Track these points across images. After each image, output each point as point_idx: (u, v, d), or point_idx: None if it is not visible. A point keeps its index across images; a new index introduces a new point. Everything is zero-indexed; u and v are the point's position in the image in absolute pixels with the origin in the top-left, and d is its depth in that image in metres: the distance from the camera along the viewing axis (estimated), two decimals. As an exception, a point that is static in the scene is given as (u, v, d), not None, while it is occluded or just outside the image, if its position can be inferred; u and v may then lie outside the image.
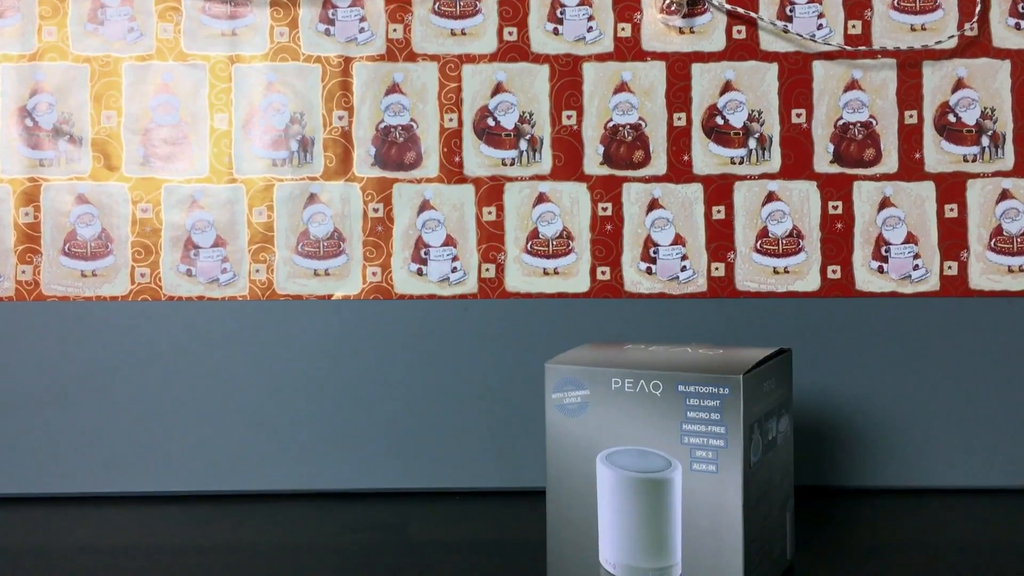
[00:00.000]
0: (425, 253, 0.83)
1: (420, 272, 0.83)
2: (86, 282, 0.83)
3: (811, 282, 0.83)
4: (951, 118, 0.82)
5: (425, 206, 0.83)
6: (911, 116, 0.83)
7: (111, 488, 0.82)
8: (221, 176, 0.83)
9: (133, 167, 0.83)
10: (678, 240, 0.83)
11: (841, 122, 0.83)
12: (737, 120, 0.83)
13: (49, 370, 0.82)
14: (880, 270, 0.83)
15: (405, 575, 0.64)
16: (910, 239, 0.83)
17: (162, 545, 0.71)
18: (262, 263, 0.83)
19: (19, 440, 0.82)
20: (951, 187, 0.82)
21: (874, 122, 0.83)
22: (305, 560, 0.67)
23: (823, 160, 0.83)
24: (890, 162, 0.83)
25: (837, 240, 0.83)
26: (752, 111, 0.83)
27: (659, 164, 0.83)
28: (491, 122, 0.83)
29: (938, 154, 0.83)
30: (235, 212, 0.83)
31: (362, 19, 0.83)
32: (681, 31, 0.83)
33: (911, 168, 0.83)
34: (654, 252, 0.83)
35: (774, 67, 0.83)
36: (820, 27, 0.82)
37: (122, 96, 0.82)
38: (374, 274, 0.83)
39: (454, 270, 0.83)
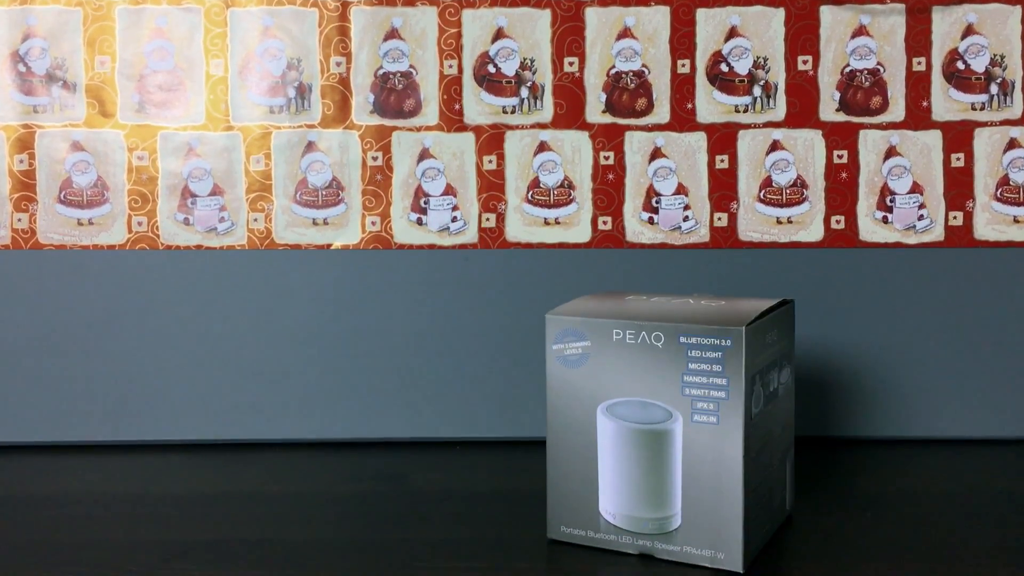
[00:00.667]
0: (425, 202, 0.82)
1: (420, 222, 0.82)
2: (83, 230, 0.82)
3: (814, 232, 0.82)
4: (960, 65, 0.81)
5: (425, 154, 0.82)
6: (919, 63, 0.81)
7: (110, 436, 0.82)
8: (218, 123, 0.81)
9: (128, 114, 0.81)
10: (680, 190, 0.82)
11: (848, 69, 0.81)
12: (742, 67, 0.81)
13: (47, 319, 0.82)
14: (884, 220, 0.82)
15: (406, 524, 0.65)
16: (915, 189, 0.82)
17: (163, 493, 0.71)
18: (260, 212, 0.82)
19: (17, 389, 0.82)
20: (958, 136, 0.81)
21: (882, 69, 0.81)
22: (306, 508, 0.68)
23: (829, 108, 0.82)
24: (897, 110, 0.81)
25: (841, 190, 0.82)
26: (757, 58, 0.81)
27: (662, 112, 0.82)
28: (491, 69, 0.82)
29: (946, 102, 0.81)
30: (232, 160, 0.82)
31: (360, -38, 0.81)
32: (686, -25, 0.81)
33: (918, 116, 0.81)
34: (656, 202, 0.82)
35: (780, 12, 0.81)
36: (828, -29, 0.81)
37: (116, 41, 0.81)
38: (373, 223, 0.82)
39: (454, 220, 0.82)
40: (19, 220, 0.82)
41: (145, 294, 0.82)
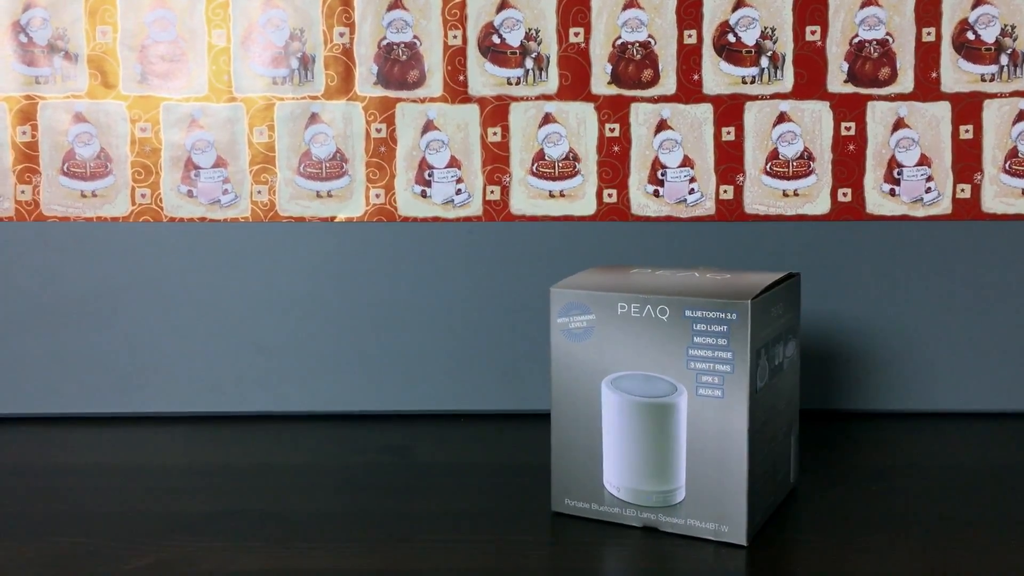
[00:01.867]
0: (429, 175, 0.82)
1: (424, 194, 0.82)
2: (86, 202, 0.82)
3: (821, 205, 0.82)
4: (970, 36, 0.80)
5: (429, 126, 0.82)
6: (929, 34, 0.80)
7: (114, 409, 0.82)
8: (220, 95, 0.81)
9: (130, 85, 0.81)
10: (686, 162, 0.82)
11: (857, 40, 0.80)
12: (749, 38, 0.81)
13: (50, 291, 0.82)
14: (892, 193, 0.81)
15: (410, 496, 0.65)
16: (923, 161, 0.81)
17: (167, 465, 0.71)
18: (264, 184, 0.82)
19: (21, 361, 0.82)
20: (967, 108, 0.81)
21: (890, 40, 0.80)
22: (311, 481, 0.68)
23: (837, 79, 0.81)
24: (906, 81, 0.81)
25: (849, 162, 0.81)
26: (765, 28, 0.81)
27: (668, 84, 0.81)
28: (496, 40, 0.81)
29: (955, 73, 0.80)
30: (235, 132, 0.81)
31: (363, -69, 0.80)
32: (693, -56, 0.80)
33: (927, 88, 0.81)
34: (662, 174, 0.82)
35: (789, -18, 0.80)
36: (837, -60, 0.80)
37: (117, 11, 0.80)
38: (377, 196, 0.82)
39: (458, 192, 0.82)
40: (22, 192, 0.81)
41: (148, 266, 0.82)
